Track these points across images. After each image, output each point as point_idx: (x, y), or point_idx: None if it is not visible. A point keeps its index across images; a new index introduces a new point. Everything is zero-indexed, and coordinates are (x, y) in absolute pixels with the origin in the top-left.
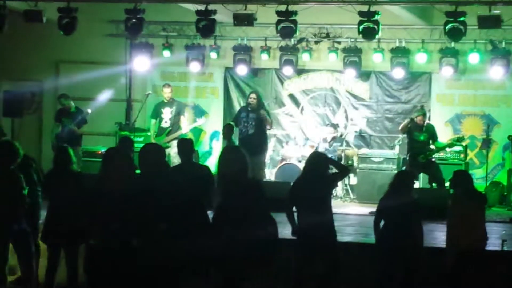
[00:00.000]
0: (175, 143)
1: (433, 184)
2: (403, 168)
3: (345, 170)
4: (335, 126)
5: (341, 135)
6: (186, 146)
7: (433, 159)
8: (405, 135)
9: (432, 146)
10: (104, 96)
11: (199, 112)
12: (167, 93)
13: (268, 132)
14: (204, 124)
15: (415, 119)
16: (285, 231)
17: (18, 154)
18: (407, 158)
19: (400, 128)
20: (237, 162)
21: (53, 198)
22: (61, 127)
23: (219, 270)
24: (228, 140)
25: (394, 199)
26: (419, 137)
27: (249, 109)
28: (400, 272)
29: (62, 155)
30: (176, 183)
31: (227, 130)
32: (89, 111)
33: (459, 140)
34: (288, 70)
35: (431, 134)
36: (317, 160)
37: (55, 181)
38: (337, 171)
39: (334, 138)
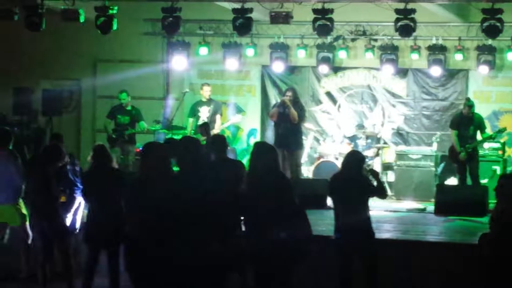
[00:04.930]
0: None
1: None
2: (441, 164)
3: (382, 191)
4: (372, 126)
5: (377, 134)
6: (220, 142)
7: (475, 153)
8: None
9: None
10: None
11: (237, 110)
12: (206, 91)
13: (304, 129)
14: (242, 122)
15: (463, 111)
16: (321, 228)
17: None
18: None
19: None
20: (266, 157)
21: (94, 197)
22: (114, 124)
23: (253, 267)
24: (208, 137)
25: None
26: (466, 130)
27: (285, 106)
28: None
29: (101, 153)
30: (211, 180)
31: (205, 129)
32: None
33: (501, 131)
34: (324, 68)
35: (478, 125)
36: (351, 160)
37: (96, 180)
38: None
39: (372, 138)
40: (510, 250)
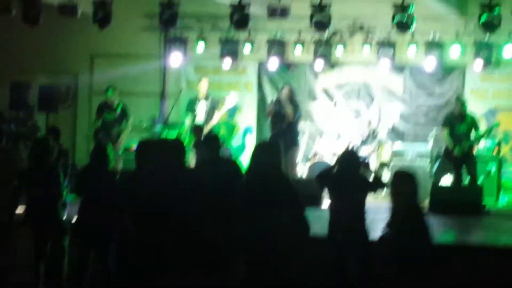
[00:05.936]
0: None
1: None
2: (437, 162)
3: (379, 184)
4: (368, 123)
5: (373, 131)
6: (213, 142)
7: (471, 152)
8: (447, 128)
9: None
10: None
11: (233, 107)
12: (204, 85)
13: (300, 127)
14: (238, 119)
15: (454, 110)
16: (316, 227)
17: (52, 152)
18: (443, 151)
19: None
20: (271, 156)
21: (86, 197)
22: (102, 122)
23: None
24: (199, 140)
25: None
26: (459, 129)
27: (280, 104)
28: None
29: (100, 153)
30: (205, 179)
31: (197, 132)
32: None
33: (493, 126)
34: (322, 64)
35: (472, 124)
36: (347, 160)
37: (90, 180)
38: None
39: (368, 135)
40: (402, 251)
